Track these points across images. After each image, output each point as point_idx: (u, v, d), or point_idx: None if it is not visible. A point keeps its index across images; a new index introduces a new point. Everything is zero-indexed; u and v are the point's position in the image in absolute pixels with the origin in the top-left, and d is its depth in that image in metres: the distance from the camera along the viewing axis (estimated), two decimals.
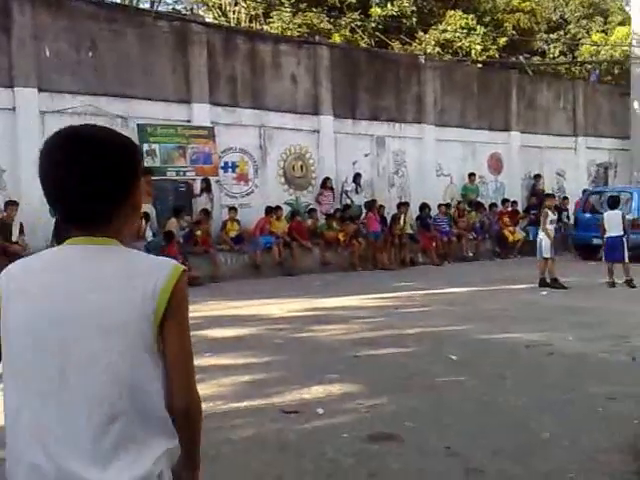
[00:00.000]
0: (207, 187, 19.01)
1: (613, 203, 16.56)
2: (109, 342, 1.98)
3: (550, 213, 15.83)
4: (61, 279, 2.04)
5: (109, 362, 1.98)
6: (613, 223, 15.83)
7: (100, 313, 1.99)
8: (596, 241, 18.88)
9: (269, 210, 19.42)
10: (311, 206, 21.16)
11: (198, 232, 17.96)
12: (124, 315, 1.99)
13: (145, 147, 17.60)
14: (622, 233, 15.69)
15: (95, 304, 2.00)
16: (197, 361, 7.56)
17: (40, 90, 16.61)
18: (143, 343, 2.01)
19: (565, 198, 26.47)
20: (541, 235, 15.84)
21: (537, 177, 27.00)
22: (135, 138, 17.12)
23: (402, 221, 21.61)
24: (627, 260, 15.56)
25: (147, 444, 2.01)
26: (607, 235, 15.86)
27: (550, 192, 22.59)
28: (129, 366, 2.00)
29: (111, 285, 2.02)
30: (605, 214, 16.41)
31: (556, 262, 15.85)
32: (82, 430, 1.96)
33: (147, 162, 17.64)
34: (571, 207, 26.47)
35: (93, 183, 2.05)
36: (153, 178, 17.54)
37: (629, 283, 15.28)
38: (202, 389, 7.45)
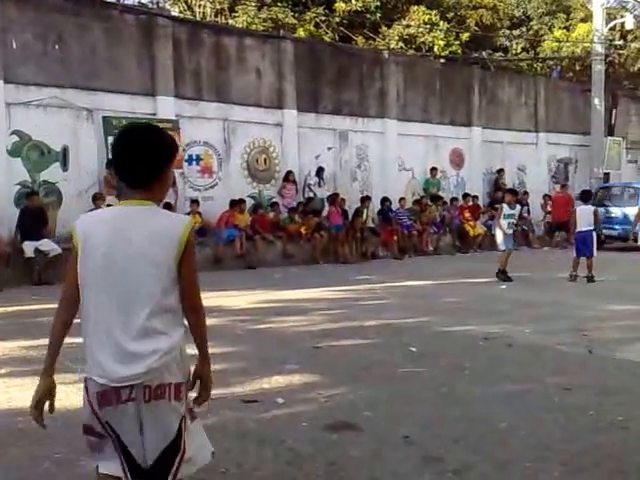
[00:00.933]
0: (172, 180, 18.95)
1: (585, 197, 16.69)
2: (149, 270, 3.21)
3: (506, 208, 15.97)
4: (122, 226, 3.26)
5: (149, 282, 3.21)
6: (584, 218, 15.90)
7: (145, 251, 3.21)
8: (606, 232, 20.99)
9: (234, 203, 19.46)
10: (274, 199, 21.20)
11: None
12: (159, 254, 3.22)
13: (110, 140, 17.50)
14: (592, 228, 15.81)
15: (142, 245, 3.21)
16: None
17: (6, 82, 16.49)
18: (168, 272, 3.23)
19: (525, 193, 26.75)
20: (497, 229, 16.08)
21: (500, 172, 27.22)
22: (100, 130, 17.14)
23: (365, 215, 21.73)
24: (595, 254, 15.73)
25: (171, 332, 3.26)
26: (577, 230, 15.94)
27: (511, 187, 22.82)
28: (160, 285, 3.22)
29: (151, 233, 3.24)
30: (577, 209, 16.53)
31: (512, 255, 16.04)
32: (134, 320, 3.18)
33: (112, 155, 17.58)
34: (537, 202, 26.82)
35: (143, 163, 3.30)
36: None
37: (589, 279, 15.45)
38: None
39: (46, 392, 3.38)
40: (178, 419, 3.32)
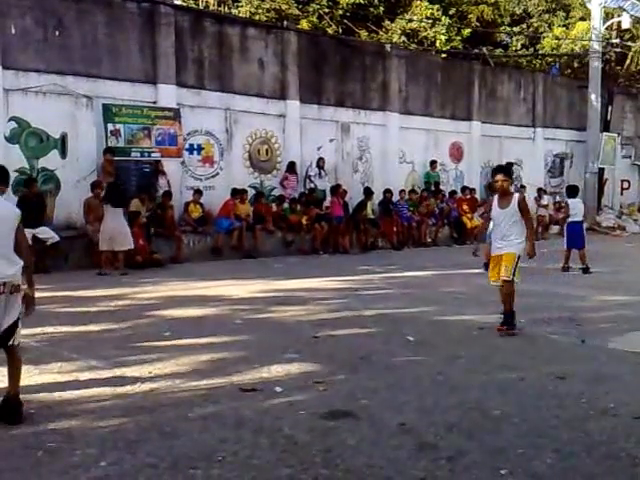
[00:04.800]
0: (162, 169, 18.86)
1: (573, 192, 16.85)
2: (6, 229, 5.83)
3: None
4: None
5: (8, 235, 5.83)
6: (576, 210, 16.24)
7: (3, 219, 5.84)
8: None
9: (236, 192, 19.52)
10: (279, 192, 21.23)
11: (169, 211, 17.93)
12: (10, 221, 5.89)
13: (110, 127, 17.52)
14: (582, 219, 16.07)
15: (2, 215, 5.86)
16: (156, 341, 7.69)
17: (5, 68, 16.38)
18: (12, 231, 5.88)
19: (522, 186, 26.89)
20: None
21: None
22: (99, 118, 17.15)
23: (368, 208, 21.85)
24: (585, 246, 15.89)
25: (18, 261, 5.89)
26: (570, 220, 16.18)
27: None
28: (12, 237, 5.86)
29: (3, 210, 5.93)
30: (569, 201, 16.68)
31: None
32: (7, 252, 5.82)
33: (111, 142, 17.56)
34: (532, 196, 26.85)
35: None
36: (116, 158, 17.46)
37: (585, 270, 15.59)
38: (161, 368, 7.56)
39: None
40: (20, 306, 5.91)
